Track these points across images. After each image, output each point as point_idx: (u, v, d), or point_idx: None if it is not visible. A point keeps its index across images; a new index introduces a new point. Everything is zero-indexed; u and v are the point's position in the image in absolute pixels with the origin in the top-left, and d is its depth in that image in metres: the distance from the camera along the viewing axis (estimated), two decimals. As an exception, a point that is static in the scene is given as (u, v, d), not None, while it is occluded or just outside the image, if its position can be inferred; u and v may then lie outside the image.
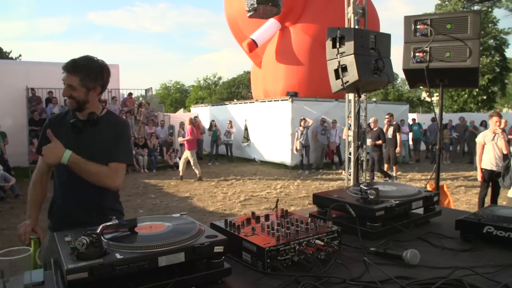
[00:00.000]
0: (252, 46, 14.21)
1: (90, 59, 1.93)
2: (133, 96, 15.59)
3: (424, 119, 17.28)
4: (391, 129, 10.89)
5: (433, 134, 14.77)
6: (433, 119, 14.43)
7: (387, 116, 11.22)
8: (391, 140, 10.80)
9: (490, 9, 25.58)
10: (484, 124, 14.26)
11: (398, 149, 10.59)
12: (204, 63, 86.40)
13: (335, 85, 4.17)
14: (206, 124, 15.65)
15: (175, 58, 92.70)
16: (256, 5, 4.41)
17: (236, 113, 15.67)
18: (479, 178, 5.97)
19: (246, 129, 15.13)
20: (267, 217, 1.49)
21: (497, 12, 45.74)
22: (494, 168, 5.71)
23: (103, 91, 2.04)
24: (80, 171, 1.83)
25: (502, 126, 5.99)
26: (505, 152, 5.65)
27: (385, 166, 11.04)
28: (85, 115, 1.96)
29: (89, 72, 1.90)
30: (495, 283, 1.10)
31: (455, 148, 15.62)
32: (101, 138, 1.96)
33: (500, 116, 5.90)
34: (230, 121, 14.80)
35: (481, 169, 5.90)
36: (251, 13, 4.35)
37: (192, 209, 7.16)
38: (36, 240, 1.73)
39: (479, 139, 6.03)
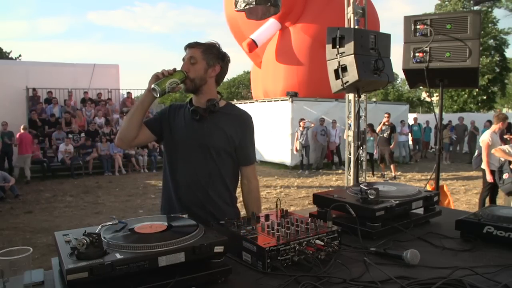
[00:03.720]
0: (252, 46, 14.19)
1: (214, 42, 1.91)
2: (132, 96, 15.58)
3: (423, 119, 17.29)
4: (387, 130, 10.91)
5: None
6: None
7: (386, 115, 11.23)
8: (386, 140, 10.81)
9: (490, 9, 25.58)
10: (486, 126, 14.14)
11: (392, 146, 10.83)
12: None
13: (335, 85, 4.17)
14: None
15: (175, 58, 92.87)
16: (254, 4, 4.38)
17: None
18: (489, 179, 5.70)
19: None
20: (267, 217, 1.49)
21: (497, 12, 45.84)
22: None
23: (221, 78, 1.91)
24: None
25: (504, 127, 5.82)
26: None
27: (381, 166, 11.05)
28: (203, 103, 1.83)
29: (211, 47, 1.84)
30: (495, 283, 1.10)
31: (455, 148, 15.61)
32: (223, 128, 1.85)
33: (503, 120, 5.74)
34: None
35: (490, 170, 5.66)
36: (244, 7, 4.26)
37: (192, 209, 7.14)
38: (180, 72, 1.73)
39: (484, 138, 5.75)
